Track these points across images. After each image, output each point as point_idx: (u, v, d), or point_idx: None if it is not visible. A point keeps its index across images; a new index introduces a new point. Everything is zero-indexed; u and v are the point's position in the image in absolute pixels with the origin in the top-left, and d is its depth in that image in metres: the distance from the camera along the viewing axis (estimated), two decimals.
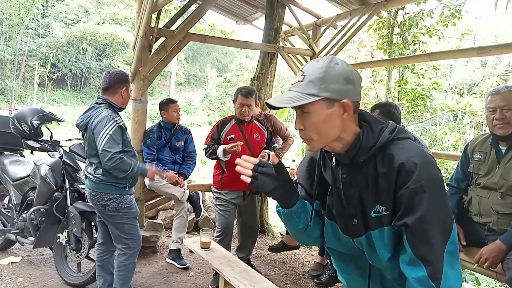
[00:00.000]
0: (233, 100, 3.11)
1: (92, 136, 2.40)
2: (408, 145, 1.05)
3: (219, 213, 3.16)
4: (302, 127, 1.06)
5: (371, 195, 1.06)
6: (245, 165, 1.11)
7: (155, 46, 3.64)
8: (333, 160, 1.12)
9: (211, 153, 3.05)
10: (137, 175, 2.54)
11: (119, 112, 2.60)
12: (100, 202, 2.46)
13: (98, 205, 2.49)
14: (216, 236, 3.13)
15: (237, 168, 1.14)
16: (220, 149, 2.97)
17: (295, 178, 1.32)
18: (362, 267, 1.20)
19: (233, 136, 3.03)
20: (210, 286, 3.10)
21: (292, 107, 1.06)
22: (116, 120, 2.41)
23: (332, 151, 1.10)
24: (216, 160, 3.16)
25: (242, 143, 2.92)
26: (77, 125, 2.53)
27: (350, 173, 1.10)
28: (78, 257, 2.94)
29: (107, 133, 2.36)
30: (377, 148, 1.05)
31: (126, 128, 2.51)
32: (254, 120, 3.19)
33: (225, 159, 2.98)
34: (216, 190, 3.19)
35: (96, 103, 2.51)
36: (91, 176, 2.48)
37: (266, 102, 1.08)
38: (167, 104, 3.75)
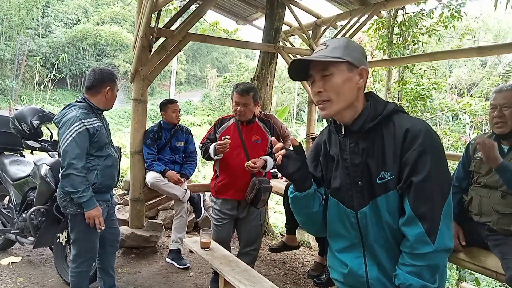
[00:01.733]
0: (231, 97, 2.80)
1: (58, 135, 2.32)
2: (411, 116, 1.19)
3: (213, 226, 2.88)
4: (321, 89, 1.16)
5: (377, 162, 1.15)
6: (276, 150, 1.22)
7: (155, 46, 3.64)
8: (342, 131, 1.21)
9: (204, 152, 2.77)
10: (81, 202, 2.28)
11: (103, 113, 2.51)
12: (62, 203, 2.38)
13: (61, 206, 2.40)
14: None
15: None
16: (211, 147, 2.70)
17: None
18: (359, 257, 1.23)
19: (228, 136, 2.69)
20: (209, 286, 3.10)
21: (309, 73, 1.19)
22: (83, 122, 2.28)
23: (342, 121, 1.21)
24: (213, 163, 2.93)
25: (229, 141, 2.60)
26: (54, 122, 2.46)
27: (358, 141, 1.19)
28: None
29: (71, 135, 2.24)
30: (384, 116, 1.16)
31: (97, 130, 2.35)
32: (257, 120, 2.83)
33: (217, 157, 2.69)
34: (212, 197, 2.93)
35: (76, 101, 2.44)
36: (60, 174, 2.38)
37: (294, 60, 1.17)
38: (165, 105, 3.77)
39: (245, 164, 2.61)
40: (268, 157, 2.73)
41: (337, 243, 1.29)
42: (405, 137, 1.11)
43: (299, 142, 1.24)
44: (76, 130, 2.25)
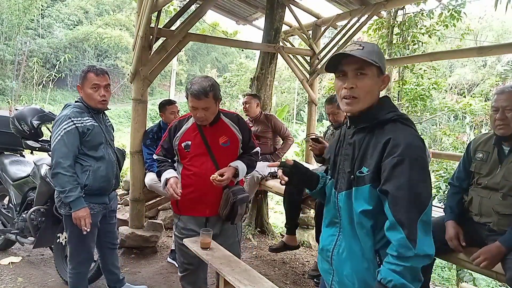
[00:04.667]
0: (185, 96, 2.17)
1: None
2: (406, 129, 1.26)
3: (178, 246, 2.36)
4: (354, 86, 1.27)
5: (362, 157, 1.29)
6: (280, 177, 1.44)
7: (155, 46, 3.64)
8: (347, 122, 1.38)
9: (157, 174, 2.25)
10: (68, 201, 2.25)
11: (102, 113, 2.49)
12: (57, 203, 2.38)
13: (57, 205, 2.41)
14: (180, 273, 2.41)
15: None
16: (163, 178, 2.17)
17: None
18: (333, 235, 1.41)
19: (189, 142, 2.19)
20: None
21: (341, 68, 1.30)
22: (73, 121, 2.26)
23: (351, 114, 1.34)
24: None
25: (216, 176, 2.08)
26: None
27: (354, 135, 1.34)
28: None
29: (59, 134, 2.24)
30: (379, 121, 1.27)
31: (88, 129, 2.32)
32: (222, 117, 2.27)
33: (165, 193, 2.11)
34: (174, 214, 2.42)
35: (75, 101, 2.43)
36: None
37: (340, 53, 1.27)
38: (164, 106, 3.77)
39: (210, 177, 2.09)
40: (238, 163, 2.23)
41: (326, 218, 1.47)
42: (386, 145, 1.21)
43: (294, 161, 1.46)
44: (65, 128, 2.25)
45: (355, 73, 1.27)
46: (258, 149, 2.41)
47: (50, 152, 3.10)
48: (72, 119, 2.28)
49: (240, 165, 2.22)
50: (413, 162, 1.17)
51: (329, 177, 1.46)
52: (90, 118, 2.38)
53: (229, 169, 2.17)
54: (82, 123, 2.31)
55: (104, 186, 2.46)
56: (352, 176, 1.30)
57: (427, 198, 1.18)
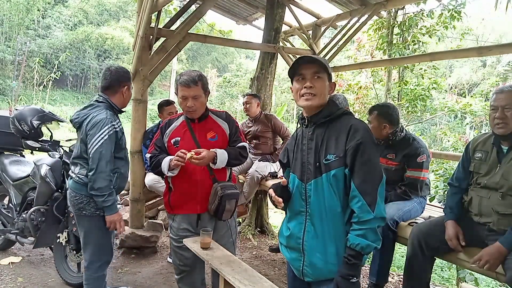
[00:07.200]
0: (175, 92, 2.25)
1: (85, 136, 2.24)
2: (356, 119, 1.56)
3: (173, 248, 2.36)
4: (312, 85, 1.52)
5: (325, 147, 1.51)
6: (277, 202, 1.58)
7: (155, 46, 3.64)
8: (306, 122, 1.60)
9: (155, 166, 2.24)
10: (105, 206, 2.25)
11: (118, 115, 2.45)
12: (78, 204, 2.30)
13: (75, 207, 2.32)
14: (176, 275, 2.41)
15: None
16: (165, 162, 2.19)
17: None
18: (301, 223, 1.57)
19: (179, 138, 2.24)
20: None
21: (299, 71, 1.56)
22: (114, 125, 2.25)
23: (309, 113, 1.58)
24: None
25: (192, 153, 2.08)
26: (71, 121, 2.37)
27: (314, 131, 1.57)
28: (78, 257, 2.94)
29: (102, 138, 2.19)
30: (335, 115, 1.55)
31: (123, 132, 2.35)
32: (211, 114, 2.32)
33: (171, 174, 2.20)
34: (168, 214, 2.44)
35: (97, 101, 2.34)
36: (73, 176, 2.32)
37: (305, 56, 1.54)
38: (162, 107, 3.77)
39: (187, 155, 2.08)
40: (218, 150, 2.20)
41: (290, 212, 1.64)
42: (350, 130, 1.47)
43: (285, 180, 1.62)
44: (108, 133, 2.21)
45: (312, 75, 1.52)
46: (245, 144, 2.38)
47: (50, 152, 3.12)
48: (113, 123, 2.25)
49: (220, 151, 2.20)
50: (372, 144, 1.46)
51: (290, 176, 1.65)
52: (118, 120, 2.37)
53: (209, 152, 2.15)
54: (119, 126, 2.32)
55: (124, 186, 2.50)
56: (318, 164, 1.51)
57: (381, 171, 1.47)
